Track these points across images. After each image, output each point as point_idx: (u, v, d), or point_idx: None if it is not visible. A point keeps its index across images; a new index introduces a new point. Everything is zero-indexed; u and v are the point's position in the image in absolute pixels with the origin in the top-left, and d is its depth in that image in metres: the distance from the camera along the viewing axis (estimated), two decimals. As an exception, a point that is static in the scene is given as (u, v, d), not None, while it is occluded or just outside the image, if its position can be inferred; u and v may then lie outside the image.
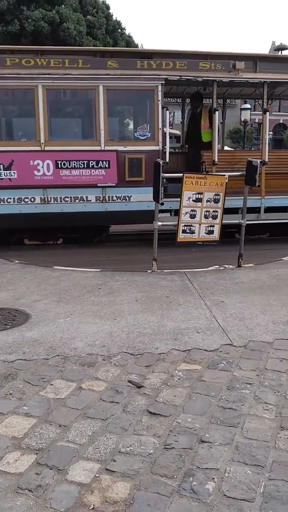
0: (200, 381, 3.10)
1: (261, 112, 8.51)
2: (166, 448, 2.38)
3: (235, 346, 3.69)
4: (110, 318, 4.30)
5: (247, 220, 6.54)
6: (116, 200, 7.70)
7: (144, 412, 2.71)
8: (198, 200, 6.02)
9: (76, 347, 3.64)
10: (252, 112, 24.58)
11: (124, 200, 7.70)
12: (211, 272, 6.15)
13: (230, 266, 6.40)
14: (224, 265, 6.45)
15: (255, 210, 7.98)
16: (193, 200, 6.01)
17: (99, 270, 6.26)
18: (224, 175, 6.19)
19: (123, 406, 2.79)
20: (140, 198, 7.59)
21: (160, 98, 7.60)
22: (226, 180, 6.08)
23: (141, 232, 9.26)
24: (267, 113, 8.28)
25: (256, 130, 38.29)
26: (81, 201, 7.60)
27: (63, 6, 20.63)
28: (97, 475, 2.18)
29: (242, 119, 23.47)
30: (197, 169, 8.26)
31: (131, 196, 7.68)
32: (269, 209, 8.18)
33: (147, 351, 3.59)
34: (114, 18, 25.45)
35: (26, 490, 2.07)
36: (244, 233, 6.42)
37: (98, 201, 7.66)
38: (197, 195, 6.00)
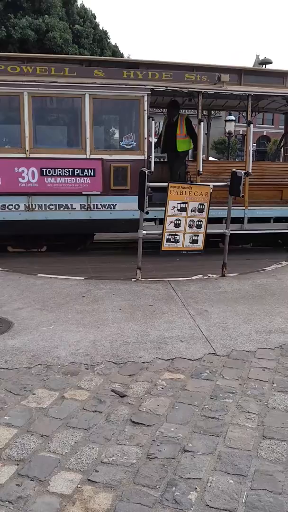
0: (184, 390, 3.10)
1: (245, 124, 8.63)
2: (149, 458, 2.37)
3: (219, 355, 3.70)
4: (93, 327, 4.28)
5: (231, 230, 6.59)
6: (101, 209, 7.69)
7: (127, 422, 2.70)
8: (183, 209, 6.06)
9: (59, 356, 3.61)
10: (236, 124, 24.88)
11: (109, 209, 7.70)
12: (195, 281, 6.18)
13: (214, 276, 6.44)
14: (208, 274, 6.49)
15: (239, 220, 8.06)
16: (177, 210, 6.05)
17: (83, 278, 6.24)
18: (209, 185, 6.25)
19: (106, 415, 2.77)
20: (125, 206, 7.60)
21: (146, 108, 7.65)
22: (211, 190, 6.13)
23: (126, 241, 9.27)
24: (251, 125, 8.39)
25: (240, 141, 38.76)
26: (66, 209, 7.58)
27: (47, 16, 20.70)
28: (79, 485, 2.15)
29: (227, 131, 23.74)
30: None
31: (116, 204, 7.70)
32: (252, 220, 8.27)
33: (130, 360, 3.58)
34: (101, 28, 25.65)
35: (7, 502, 2.04)
36: (228, 243, 6.47)
37: (83, 209, 7.65)
38: (181, 204, 6.04)
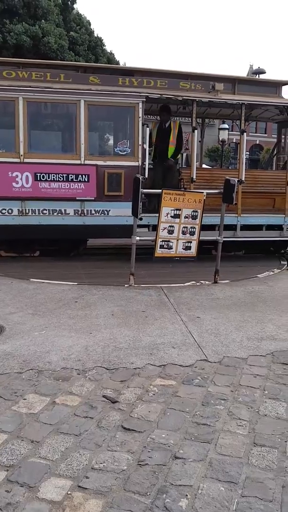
0: (175, 397, 3.09)
1: (239, 132, 8.69)
2: (140, 464, 2.36)
3: (210, 361, 3.70)
4: (86, 332, 4.27)
5: (223, 237, 6.63)
6: (95, 214, 7.69)
7: (118, 428, 2.69)
8: (176, 216, 6.08)
9: (50, 361, 3.59)
10: (230, 132, 25.08)
11: (102, 214, 7.70)
12: (187, 287, 6.19)
13: (207, 282, 6.46)
14: (201, 281, 6.51)
15: (231, 227, 8.10)
16: (171, 216, 6.07)
17: (75, 283, 6.23)
18: (203, 192, 6.28)
19: (97, 421, 2.76)
20: (119, 212, 7.61)
21: (140, 115, 7.69)
22: (204, 197, 6.16)
23: (119, 246, 9.27)
24: (245, 133, 8.45)
25: (234, 149, 39.03)
26: (59, 214, 7.57)
27: (43, 21, 20.80)
28: (69, 492, 2.14)
29: (220, 139, 23.92)
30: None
31: (109, 210, 7.70)
32: (245, 227, 8.31)
33: (122, 365, 3.57)
34: (96, 35, 25.80)
35: (-4, 508, 2.02)
36: (221, 250, 6.49)
37: (76, 214, 7.64)
38: (175, 211, 6.06)
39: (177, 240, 6.16)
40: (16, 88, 7.23)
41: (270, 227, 8.57)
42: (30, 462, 2.34)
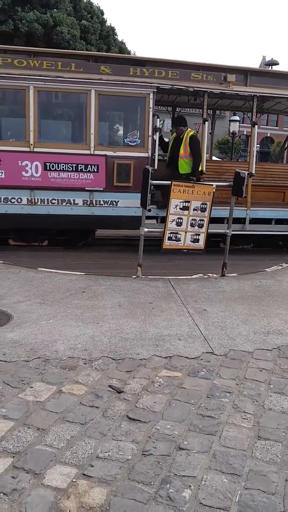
0: (180, 388, 3.11)
1: (250, 125, 8.61)
2: (144, 454, 2.38)
3: (216, 354, 3.71)
4: (92, 322, 4.29)
5: (232, 230, 6.60)
6: (104, 205, 7.69)
7: (123, 418, 2.71)
8: (185, 208, 6.06)
9: (57, 350, 3.62)
10: (240, 124, 24.89)
11: (111, 205, 7.70)
12: (194, 280, 6.19)
13: (214, 275, 6.45)
14: (208, 274, 6.50)
15: (240, 220, 8.07)
16: (180, 208, 6.05)
17: (83, 273, 6.25)
18: (212, 184, 6.25)
19: (102, 411, 2.78)
20: (128, 203, 7.60)
21: (151, 105, 7.64)
22: (214, 190, 6.14)
23: (127, 238, 9.28)
24: (256, 126, 8.38)
25: (244, 142, 38.76)
26: (68, 204, 7.59)
27: (55, 10, 20.65)
28: (74, 480, 2.16)
29: (231, 131, 23.74)
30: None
31: (118, 201, 7.70)
32: (254, 221, 8.27)
33: (128, 356, 3.59)
34: (108, 24, 25.58)
35: (1, 494, 2.05)
36: (229, 243, 6.48)
37: (85, 204, 7.65)
38: (184, 203, 6.05)
39: (186, 232, 6.15)
40: (27, 77, 7.22)
41: (279, 221, 8.52)
42: (36, 450, 2.37)
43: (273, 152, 37.21)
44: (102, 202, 7.69)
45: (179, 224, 6.09)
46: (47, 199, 7.51)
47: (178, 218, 6.08)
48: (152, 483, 2.16)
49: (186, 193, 6.03)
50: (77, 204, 7.61)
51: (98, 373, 3.28)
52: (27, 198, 7.44)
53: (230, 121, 23.51)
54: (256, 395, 3.06)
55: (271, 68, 19.22)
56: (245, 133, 35.32)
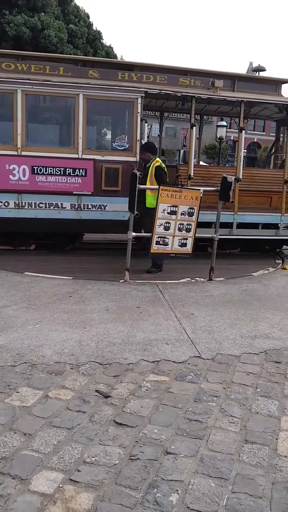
0: (168, 393, 3.11)
1: (237, 130, 8.68)
2: (131, 459, 2.37)
3: (203, 358, 3.72)
4: (80, 327, 4.28)
5: (219, 235, 6.64)
6: (92, 209, 7.68)
7: (110, 422, 2.70)
8: (173, 212, 6.08)
9: (44, 355, 3.60)
10: (228, 130, 25.09)
11: (99, 209, 7.69)
12: (182, 284, 6.20)
13: (202, 279, 6.48)
14: (196, 278, 6.53)
15: (228, 225, 8.12)
16: (167, 213, 6.07)
17: (70, 278, 6.22)
18: (199, 189, 6.28)
19: (89, 415, 2.77)
20: (116, 207, 7.60)
21: (139, 110, 7.66)
22: (201, 195, 6.17)
23: (115, 242, 9.27)
24: (243, 131, 8.44)
25: (231, 147, 39.06)
26: (55, 208, 7.55)
27: (42, 14, 20.66)
28: (60, 485, 2.15)
29: (218, 136, 23.91)
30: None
31: (106, 205, 7.68)
32: (241, 225, 8.33)
33: (116, 361, 3.58)
34: (95, 28, 25.66)
35: (-13, 500, 2.02)
36: (216, 247, 6.51)
37: (73, 208, 7.62)
38: (171, 207, 6.07)
39: (173, 236, 6.17)
40: (15, 80, 7.19)
41: (266, 226, 8.59)
42: (23, 455, 2.35)
43: (260, 157, 37.60)
44: (90, 206, 7.67)
45: (166, 228, 6.11)
46: (35, 203, 7.46)
47: (166, 223, 6.09)
48: (139, 488, 2.16)
49: (173, 198, 6.04)
50: (65, 208, 7.59)
51: (85, 378, 3.27)
52: (14, 202, 7.39)
53: (217, 126, 23.70)
54: (243, 399, 3.07)
55: (258, 74, 19.44)
56: (232, 138, 35.63)
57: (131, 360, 3.61)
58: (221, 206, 6.47)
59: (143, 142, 7.77)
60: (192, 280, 6.46)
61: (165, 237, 6.14)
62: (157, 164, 6.76)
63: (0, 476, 2.18)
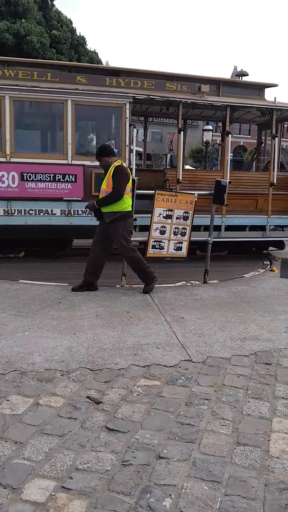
0: (159, 397, 3.10)
1: (223, 134, 8.79)
2: (124, 464, 2.36)
3: (194, 362, 3.72)
4: (69, 333, 4.26)
5: (208, 238, 6.69)
6: (82, 215, 7.65)
7: (102, 428, 2.69)
8: (168, 216, 6.15)
9: (34, 362, 3.57)
10: (214, 133, 25.24)
11: (89, 215, 7.65)
12: (172, 288, 6.21)
13: (197, 282, 6.53)
14: (191, 281, 6.58)
15: (216, 228, 8.17)
16: (163, 217, 6.14)
17: (59, 284, 6.19)
18: (194, 193, 6.37)
19: (81, 422, 2.75)
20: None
21: (128, 115, 7.70)
22: (195, 199, 6.25)
23: None
24: (230, 135, 8.54)
25: (217, 150, 39.30)
26: (46, 214, 7.51)
27: (23, 20, 20.67)
28: (53, 493, 2.13)
29: (204, 140, 24.08)
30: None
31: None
32: (229, 228, 8.40)
33: (106, 366, 3.57)
34: (78, 33, 25.75)
35: (-22, 510, 2.00)
36: (206, 251, 6.56)
37: (63, 214, 7.59)
38: (167, 211, 6.14)
39: (169, 240, 6.24)
40: (3, 86, 7.15)
41: (253, 228, 8.69)
42: (14, 463, 2.33)
43: (246, 160, 37.91)
44: (80, 212, 7.66)
45: (162, 232, 6.17)
46: (25, 210, 7.42)
47: (162, 227, 6.15)
48: (132, 493, 2.15)
49: (169, 202, 6.12)
50: (55, 214, 7.56)
51: (75, 384, 3.25)
52: (3, 209, 7.33)
53: (204, 130, 23.84)
54: (234, 401, 3.08)
55: (241, 78, 19.71)
56: (218, 142, 35.85)
57: (122, 365, 3.60)
58: (214, 209, 6.55)
59: (132, 147, 7.79)
60: (188, 284, 6.49)
61: (161, 241, 6.20)
62: (118, 163, 5.70)
63: (-9, 485, 2.16)
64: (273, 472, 2.35)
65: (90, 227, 7.63)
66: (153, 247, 6.17)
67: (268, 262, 8.66)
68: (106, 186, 5.68)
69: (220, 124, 10.68)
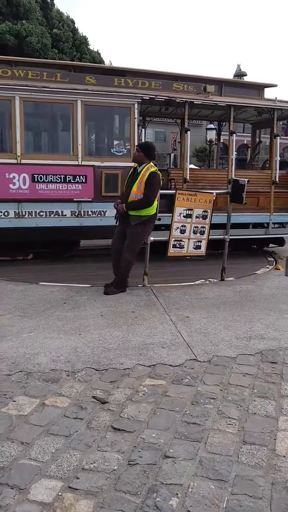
0: (165, 396, 3.10)
1: (227, 133, 8.82)
2: (130, 464, 2.36)
3: (200, 361, 3.72)
4: (75, 333, 4.26)
5: (216, 236, 6.83)
6: (92, 215, 7.61)
7: (108, 428, 2.69)
8: (188, 216, 6.24)
9: (39, 363, 3.58)
10: (217, 132, 25.21)
11: (99, 215, 7.64)
12: (176, 287, 6.20)
13: (214, 280, 6.67)
14: (209, 279, 6.71)
15: (222, 226, 8.17)
16: (183, 216, 6.22)
17: (64, 284, 6.20)
18: (213, 192, 6.47)
19: (87, 422, 2.75)
20: (115, 213, 7.59)
21: (136, 116, 7.68)
22: (214, 198, 6.36)
23: (108, 247, 9.25)
24: (234, 134, 8.61)
25: (221, 149, 39.23)
26: (56, 216, 7.44)
27: (24, 21, 20.72)
28: (59, 493, 2.13)
29: (208, 139, 24.06)
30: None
31: (106, 211, 7.60)
32: (233, 225, 8.41)
33: (112, 366, 3.57)
34: (81, 33, 25.79)
35: (-14, 511, 2.01)
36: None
37: (73, 215, 7.53)
38: (187, 211, 6.22)
39: (189, 239, 6.32)
40: (13, 87, 7.05)
41: (255, 225, 8.84)
42: (21, 464, 2.33)
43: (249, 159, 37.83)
44: (90, 213, 7.62)
45: (182, 231, 6.24)
46: (35, 212, 7.32)
47: (182, 226, 6.23)
48: (139, 493, 2.15)
49: (189, 201, 6.20)
50: (65, 215, 7.49)
51: (81, 384, 3.25)
52: (14, 211, 7.23)
53: (207, 129, 23.83)
54: (240, 400, 3.08)
55: (240, 78, 19.87)
56: (222, 140, 35.78)
57: (127, 365, 3.60)
58: (231, 208, 6.67)
59: None
60: (206, 281, 6.61)
61: (181, 240, 6.28)
62: (152, 169, 5.61)
63: (-1, 486, 2.17)
64: (280, 471, 2.34)
65: (100, 227, 7.65)
66: (174, 246, 6.26)
67: (271, 259, 8.75)
68: (137, 190, 5.62)
69: (215, 123, 10.95)
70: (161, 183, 5.86)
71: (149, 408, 2.93)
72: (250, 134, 11.92)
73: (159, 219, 6.21)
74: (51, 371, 3.44)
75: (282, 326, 4.62)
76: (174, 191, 6.25)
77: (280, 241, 9.48)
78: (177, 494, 2.15)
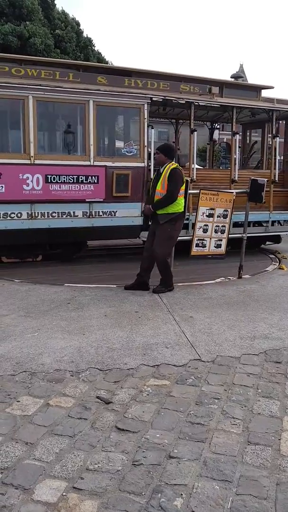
0: (169, 397, 3.10)
1: (223, 132, 8.89)
2: (135, 464, 2.36)
3: (204, 361, 3.71)
4: (78, 333, 4.27)
5: (243, 234, 6.93)
6: (103, 216, 7.57)
7: (112, 428, 2.69)
8: (210, 215, 6.39)
9: (43, 363, 3.58)
10: (220, 132, 25.19)
11: (110, 216, 7.60)
12: (179, 287, 6.19)
13: (233, 278, 6.79)
14: (228, 277, 6.83)
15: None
16: (206, 216, 6.36)
17: (68, 285, 6.20)
18: (233, 192, 6.59)
19: (91, 422, 2.75)
20: (125, 213, 7.57)
21: (146, 116, 7.66)
22: (234, 197, 6.51)
23: (118, 247, 9.30)
24: (237, 135, 8.68)
25: (224, 149, 39.19)
26: (68, 217, 7.38)
27: (27, 22, 20.74)
28: (64, 493, 2.13)
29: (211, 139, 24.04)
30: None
31: (116, 211, 7.59)
32: (235, 224, 8.42)
33: (116, 366, 3.57)
34: (85, 35, 25.78)
35: (-10, 511, 2.01)
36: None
37: (85, 216, 7.48)
38: (210, 210, 6.37)
39: (210, 238, 6.46)
40: (26, 86, 6.94)
41: (255, 224, 8.93)
42: (25, 464, 2.34)
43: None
44: (101, 213, 7.57)
45: (205, 230, 6.39)
46: (48, 213, 7.25)
47: (205, 225, 6.37)
48: (143, 493, 2.14)
49: (212, 201, 6.36)
50: (77, 216, 7.44)
51: (85, 384, 3.25)
52: (27, 213, 7.14)
53: (210, 129, 23.83)
54: (244, 400, 3.07)
55: (237, 80, 20.24)
56: (225, 140, 35.76)
57: (131, 365, 3.60)
58: (249, 206, 6.80)
59: (149, 149, 7.75)
60: (226, 279, 6.72)
61: (203, 239, 6.43)
62: (173, 166, 5.77)
63: (3, 486, 2.17)
64: (285, 472, 2.34)
65: (110, 228, 7.65)
66: (197, 245, 6.39)
67: (273, 256, 8.84)
68: (161, 188, 5.75)
69: (214, 124, 11.12)
70: (184, 178, 5.89)
71: (153, 408, 2.93)
72: (253, 134, 11.93)
73: (187, 219, 6.26)
74: (55, 371, 3.45)
75: (286, 326, 4.60)
76: (199, 190, 6.40)
77: (276, 238, 9.68)
78: (181, 494, 2.14)
